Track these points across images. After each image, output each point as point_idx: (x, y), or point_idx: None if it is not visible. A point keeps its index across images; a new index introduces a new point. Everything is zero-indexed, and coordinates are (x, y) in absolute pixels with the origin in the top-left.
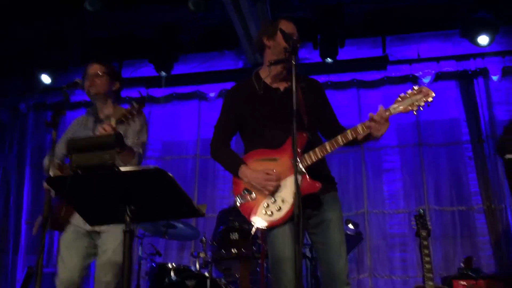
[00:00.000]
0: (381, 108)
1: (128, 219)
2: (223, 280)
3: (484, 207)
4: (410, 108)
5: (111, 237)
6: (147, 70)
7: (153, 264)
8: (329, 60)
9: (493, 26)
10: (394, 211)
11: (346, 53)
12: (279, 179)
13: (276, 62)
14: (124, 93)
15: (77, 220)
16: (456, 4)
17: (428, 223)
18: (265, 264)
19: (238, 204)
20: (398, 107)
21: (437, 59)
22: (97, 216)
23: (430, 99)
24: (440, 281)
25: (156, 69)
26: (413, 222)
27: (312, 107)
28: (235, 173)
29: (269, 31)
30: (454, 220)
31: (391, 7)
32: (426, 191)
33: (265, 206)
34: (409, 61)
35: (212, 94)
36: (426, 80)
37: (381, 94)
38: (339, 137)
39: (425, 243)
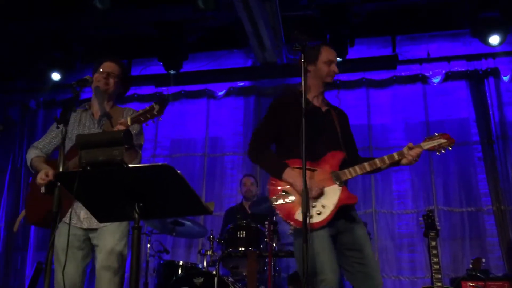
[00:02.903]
0: (411, 145)
1: (136, 216)
2: (230, 278)
3: (493, 209)
4: (437, 148)
5: (109, 233)
6: (156, 68)
7: (160, 261)
8: (338, 59)
9: (504, 26)
10: (402, 211)
11: (356, 52)
12: (323, 186)
13: None
14: (133, 91)
15: (70, 218)
16: (467, 3)
17: (437, 223)
18: (272, 263)
19: (275, 204)
20: (427, 145)
21: (448, 59)
22: (105, 213)
23: (451, 147)
24: (449, 282)
25: (165, 67)
26: (421, 223)
27: (343, 131)
28: (278, 174)
29: (311, 57)
30: (463, 221)
31: (401, 6)
32: (435, 191)
33: None
34: (419, 61)
35: (220, 93)
36: (436, 80)
37: (390, 93)
38: (377, 160)
39: (434, 243)
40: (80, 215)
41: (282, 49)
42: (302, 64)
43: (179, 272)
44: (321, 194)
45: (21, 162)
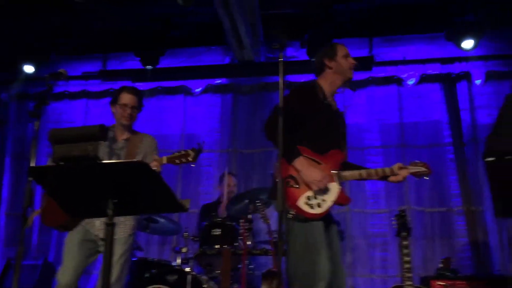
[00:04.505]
0: (401, 165)
1: (110, 212)
2: (204, 276)
3: (463, 209)
4: (418, 174)
5: (119, 244)
6: (133, 63)
7: (133, 258)
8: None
9: (477, 30)
10: (375, 211)
11: None
12: (328, 181)
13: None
14: (109, 85)
15: (87, 223)
16: (442, 7)
17: (409, 223)
18: (246, 261)
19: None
20: (412, 169)
21: (422, 62)
22: (78, 209)
23: (427, 177)
24: (419, 281)
25: (142, 62)
26: (394, 222)
27: (344, 133)
28: (290, 159)
29: (329, 53)
30: (434, 221)
31: (378, 7)
32: (408, 191)
33: (306, 198)
34: (395, 63)
35: (198, 89)
36: (411, 82)
37: (365, 94)
38: (372, 171)
39: (405, 243)
40: (96, 224)
41: (260, 48)
42: (281, 64)
43: (152, 269)
44: (326, 188)
45: None
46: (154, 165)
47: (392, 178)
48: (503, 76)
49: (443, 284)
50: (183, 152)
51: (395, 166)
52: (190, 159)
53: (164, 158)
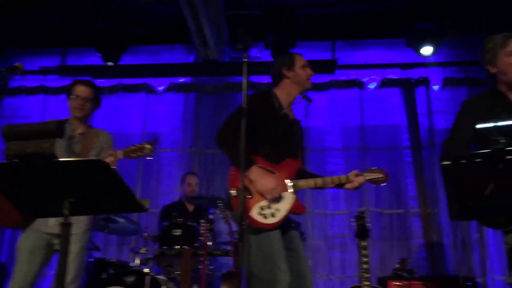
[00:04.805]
0: (357, 172)
1: (66, 212)
2: (163, 277)
3: (420, 211)
4: (375, 181)
5: (73, 241)
6: (94, 59)
7: (90, 259)
8: None
9: (436, 37)
10: (335, 212)
11: None
12: (282, 190)
13: None
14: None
15: (41, 224)
16: (403, 14)
17: (368, 224)
18: (207, 262)
19: (233, 196)
20: (369, 176)
21: (383, 66)
22: (33, 208)
23: (385, 183)
24: (376, 281)
25: (103, 59)
26: (353, 224)
27: (300, 143)
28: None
29: (287, 63)
30: (392, 223)
31: (342, 12)
32: (367, 193)
33: (259, 208)
34: (357, 66)
35: (160, 88)
36: (372, 86)
37: (327, 97)
38: (328, 179)
39: (364, 244)
40: (50, 222)
41: (225, 47)
42: (245, 64)
43: (110, 270)
44: (280, 197)
45: None
46: (109, 160)
47: (348, 186)
48: (460, 82)
49: (399, 284)
50: (139, 146)
51: (351, 174)
52: (146, 152)
53: (120, 153)
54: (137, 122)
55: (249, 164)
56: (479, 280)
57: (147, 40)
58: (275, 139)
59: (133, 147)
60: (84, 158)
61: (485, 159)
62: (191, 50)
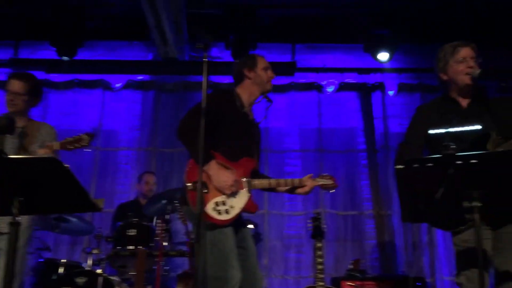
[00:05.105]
0: (310, 176)
1: (15, 211)
2: (116, 278)
3: (373, 213)
4: (325, 187)
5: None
6: (48, 53)
7: (40, 259)
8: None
9: (392, 44)
10: (292, 213)
11: None
12: (238, 188)
13: None
14: None
15: None
16: (361, 20)
17: (323, 226)
18: (162, 262)
19: (189, 189)
20: (320, 181)
21: (341, 70)
22: None
23: (334, 190)
24: (330, 281)
25: (58, 53)
26: (309, 225)
27: (258, 143)
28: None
29: (249, 64)
30: (347, 224)
31: (302, 15)
32: (323, 195)
33: (214, 203)
34: (316, 70)
35: (118, 85)
36: (330, 89)
37: (287, 99)
38: (282, 180)
39: (319, 245)
40: None
41: (185, 46)
42: (206, 63)
43: (60, 271)
44: (235, 193)
45: None
46: (43, 152)
47: (299, 190)
48: (414, 88)
49: (352, 285)
50: (76, 137)
51: (305, 178)
52: (83, 143)
53: (57, 144)
54: (93, 119)
55: (208, 159)
56: (428, 280)
57: (105, 35)
58: (234, 137)
59: (70, 139)
60: (36, 156)
61: (436, 163)
62: (150, 47)
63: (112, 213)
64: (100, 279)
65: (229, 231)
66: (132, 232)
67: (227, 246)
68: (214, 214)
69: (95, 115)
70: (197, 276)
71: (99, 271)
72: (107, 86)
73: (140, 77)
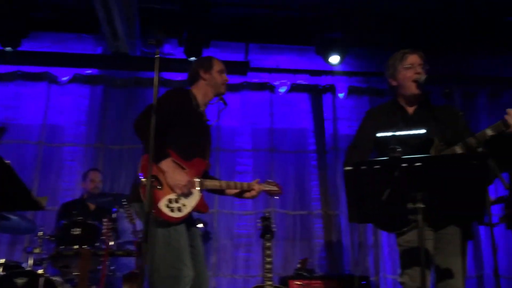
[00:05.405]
0: (258, 181)
1: None
2: (59, 278)
3: (321, 213)
4: (271, 193)
5: None
6: None
7: None
8: (193, 59)
9: (343, 47)
10: (242, 212)
11: (210, 54)
12: (192, 187)
13: None
14: None
15: None
16: (314, 22)
17: (273, 225)
18: (107, 262)
19: (143, 184)
20: (266, 187)
21: (293, 72)
22: None
23: (278, 197)
24: (278, 281)
25: (1, 42)
26: (259, 224)
27: (210, 144)
28: (157, 159)
29: (205, 65)
30: (296, 224)
31: (257, 15)
32: None
33: (167, 200)
34: (268, 70)
35: (64, 78)
36: (282, 90)
37: (239, 98)
38: (232, 183)
39: (268, 244)
40: None
41: (136, 41)
42: (158, 60)
43: None
44: (189, 193)
45: None
46: None
47: (247, 194)
48: (363, 92)
49: (300, 284)
50: None
51: (252, 182)
52: None
53: None
54: (37, 113)
55: (164, 156)
56: (372, 278)
57: (52, 26)
58: (189, 136)
59: None
60: None
61: (383, 166)
62: (100, 41)
63: (56, 211)
64: (42, 280)
65: (182, 228)
66: (77, 231)
67: (181, 244)
68: (167, 211)
69: (40, 109)
70: (144, 276)
71: (40, 271)
72: (53, 80)
73: (88, 71)
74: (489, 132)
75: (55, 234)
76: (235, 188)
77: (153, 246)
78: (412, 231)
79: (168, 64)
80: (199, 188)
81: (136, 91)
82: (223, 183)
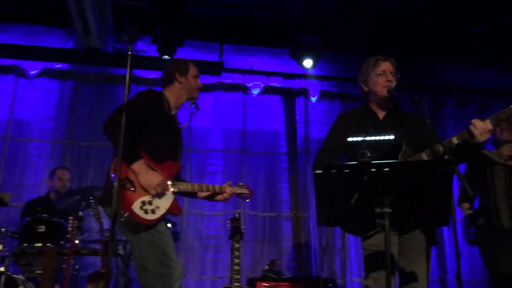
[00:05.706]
0: (230, 183)
1: None
2: (21, 277)
3: (291, 215)
4: (242, 195)
5: None
6: None
7: None
8: (166, 57)
9: (316, 51)
10: (212, 213)
11: (184, 53)
12: (165, 189)
13: None
14: None
15: None
16: (288, 26)
17: (242, 226)
18: (72, 261)
19: (115, 185)
20: (237, 190)
21: (267, 74)
22: None
23: (248, 199)
24: (246, 282)
25: None
26: (229, 225)
27: (181, 147)
28: (129, 160)
29: (181, 68)
30: (265, 225)
31: (231, 16)
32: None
33: (141, 203)
34: (242, 71)
35: (33, 72)
36: (256, 91)
37: (212, 98)
38: (204, 186)
39: (237, 245)
40: None
41: (109, 36)
42: (130, 56)
43: None
44: (161, 194)
45: None
46: None
47: (219, 197)
48: (335, 96)
49: (267, 286)
50: None
51: (225, 185)
52: None
53: None
54: (3, 107)
55: (137, 158)
56: (339, 281)
57: (20, 18)
58: (161, 139)
59: None
60: None
61: (353, 170)
62: (71, 35)
63: (20, 208)
64: (3, 278)
65: (162, 227)
66: (41, 228)
67: (165, 242)
68: (140, 213)
69: (6, 103)
70: (110, 276)
71: (1, 269)
72: (21, 73)
73: (58, 66)
74: (455, 140)
75: (18, 231)
76: (207, 191)
77: (138, 251)
78: (377, 234)
79: (141, 62)
80: (172, 190)
81: (107, 87)
82: (196, 186)
